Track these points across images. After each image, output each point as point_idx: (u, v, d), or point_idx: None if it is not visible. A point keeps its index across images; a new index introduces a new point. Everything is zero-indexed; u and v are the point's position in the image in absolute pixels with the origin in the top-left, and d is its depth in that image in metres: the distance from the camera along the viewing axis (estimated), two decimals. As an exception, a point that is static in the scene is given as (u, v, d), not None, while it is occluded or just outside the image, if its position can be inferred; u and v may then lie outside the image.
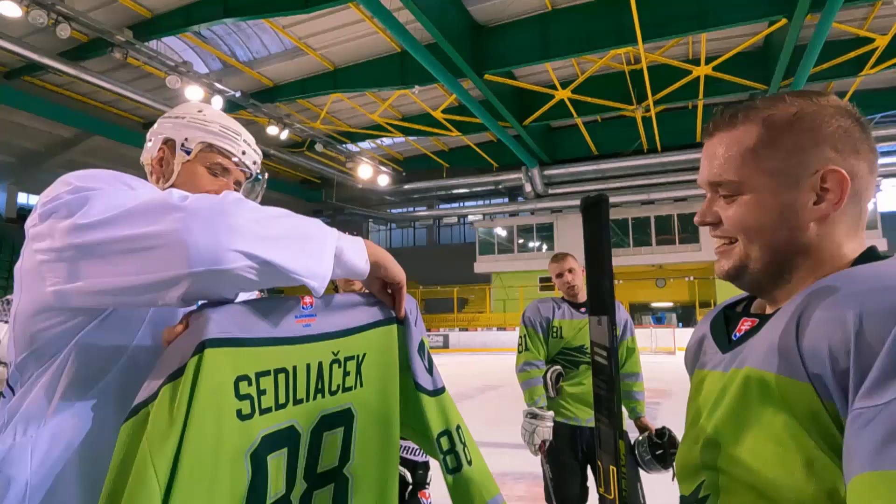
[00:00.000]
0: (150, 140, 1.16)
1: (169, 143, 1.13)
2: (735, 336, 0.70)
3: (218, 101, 15.25)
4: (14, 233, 21.31)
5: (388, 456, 0.93)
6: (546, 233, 26.63)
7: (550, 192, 24.06)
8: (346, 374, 0.88)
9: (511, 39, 13.15)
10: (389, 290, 0.96)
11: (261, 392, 0.77)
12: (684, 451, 0.71)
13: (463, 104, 15.75)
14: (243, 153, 1.15)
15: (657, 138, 19.86)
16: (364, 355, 0.92)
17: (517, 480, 4.63)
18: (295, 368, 0.81)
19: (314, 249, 0.80)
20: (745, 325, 0.71)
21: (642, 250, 24.19)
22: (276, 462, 0.78)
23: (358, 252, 0.88)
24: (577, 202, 17.70)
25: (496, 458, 5.41)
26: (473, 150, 22.94)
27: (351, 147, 22.35)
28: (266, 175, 1.28)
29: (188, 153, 1.11)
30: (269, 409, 0.78)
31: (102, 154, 20.84)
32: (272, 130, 17.83)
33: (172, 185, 1.10)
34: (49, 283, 0.79)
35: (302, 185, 27.87)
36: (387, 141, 23.30)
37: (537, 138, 20.78)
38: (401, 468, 2.34)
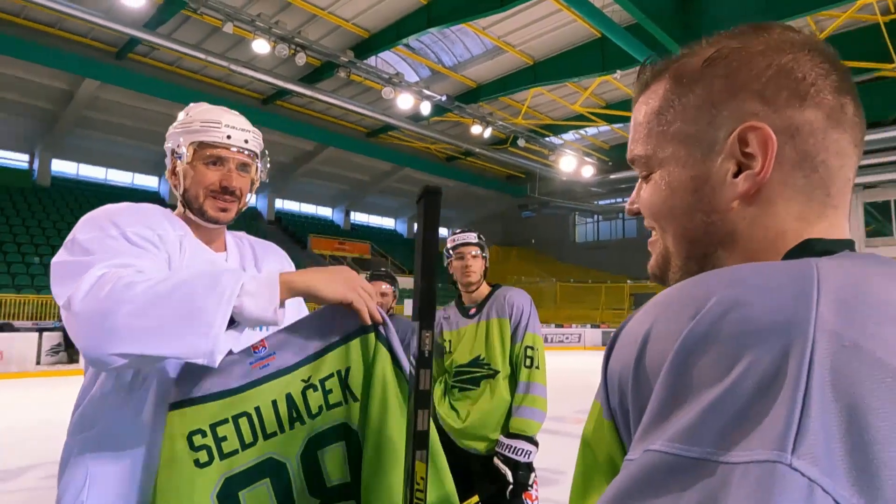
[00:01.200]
0: (167, 157, 1.25)
1: (172, 154, 1.21)
2: None
3: (426, 107, 16.35)
4: (274, 234, 25.53)
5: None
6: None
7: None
8: (326, 393, 0.91)
9: (726, 1, 11.74)
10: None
11: (220, 439, 0.87)
12: None
13: (671, 84, 14.56)
14: (228, 137, 1.16)
15: (932, 100, 16.01)
16: (347, 370, 0.93)
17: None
18: (258, 409, 0.88)
19: (200, 325, 0.83)
20: None
21: (911, 239, 19.82)
22: (258, 493, 0.87)
23: (265, 301, 0.88)
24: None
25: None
26: (687, 132, 21.09)
27: (554, 140, 22.20)
28: (266, 153, 1.27)
29: (183, 157, 1.17)
30: (233, 452, 0.87)
31: (335, 162, 23.89)
32: (476, 129, 18.55)
33: (184, 189, 1.18)
34: None
35: (507, 181, 28.53)
36: (591, 131, 22.63)
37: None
38: (501, 466, 2.25)
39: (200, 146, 1.16)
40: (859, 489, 0.28)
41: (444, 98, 16.56)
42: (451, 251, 2.57)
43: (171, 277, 0.89)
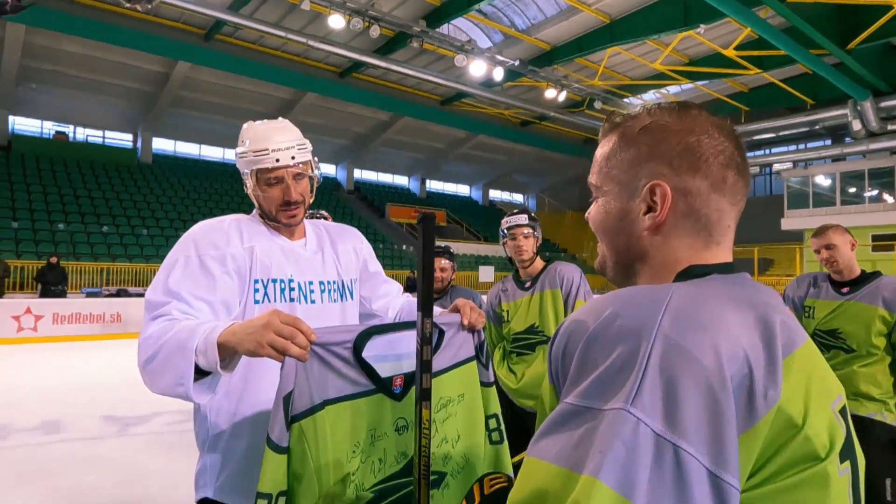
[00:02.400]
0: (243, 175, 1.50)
1: (244, 175, 1.47)
2: None
3: (500, 72, 16.24)
4: (353, 203, 26.43)
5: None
6: (884, 179, 21.48)
7: (890, 128, 19.22)
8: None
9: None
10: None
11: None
12: None
13: (761, 36, 13.63)
14: (277, 161, 1.39)
15: None
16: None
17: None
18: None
19: (178, 379, 1.12)
20: None
21: None
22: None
23: (210, 359, 1.09)
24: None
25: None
26: (779, 87, 19.67)
27: (633, 101, 21.40)
28: (316, 158, 1.50)
29: (249, 184, 1.45)
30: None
31: (410, 131, 24.26)
32: (550, 93, 18.22)
33: (259, 206, 1.46)
34: None
35: (584, 144, 27.85)
36: (673, 89, 21.60)
37: (869, 62, 16.72)
38: None
39: (258, 173, 1.41)
40: (666, 424, 0.48)
41: (517, 62, 16.37)
42: (505, 232, 2.75)
43: (166, 344, 1.15)
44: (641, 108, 0.73)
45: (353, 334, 1.12)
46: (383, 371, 1.15)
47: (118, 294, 14.35)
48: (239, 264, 1.36)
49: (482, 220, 29.17)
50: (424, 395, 0.98)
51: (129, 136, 23.11)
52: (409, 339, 1.16)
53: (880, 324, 2.42)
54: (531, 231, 2.70)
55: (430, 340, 0.98)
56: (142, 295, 14.22)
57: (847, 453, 0.59)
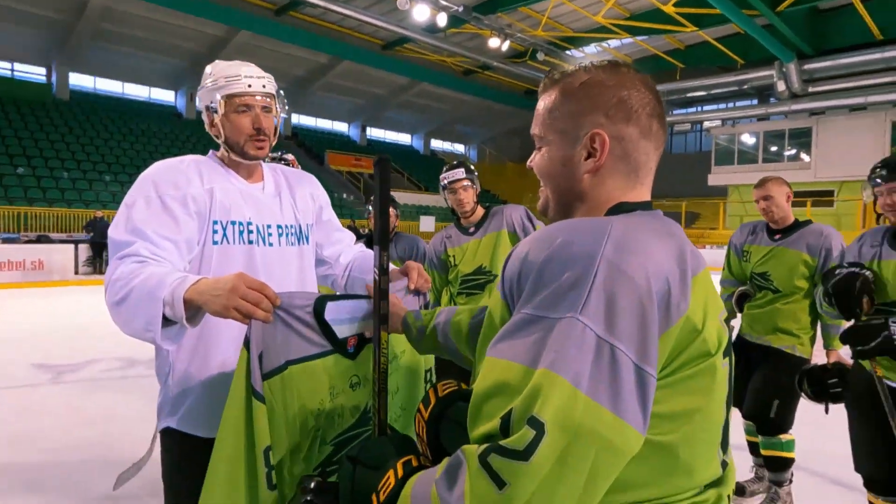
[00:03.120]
0: (202, 112, 1.47)
1: (207, 110, 1.45)
2: None
3: (443, 18, 15.92)
4: (291, 149, 25.63)
5: None
6: (802, 139, 22.83)
7: (811, 90, 20.32)
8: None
9: None
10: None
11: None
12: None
13: (699, -6, 13.93)
14: (249, 86, 1.40)
15: (976, 11, 15.21)
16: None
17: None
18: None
19: (148, 326, 1.15)
20: None
21: (938, 159, 19.39)
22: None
23: (177, 311, 1.11)
24: (847, 102, 14.99)
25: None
26: (713, 45, 20.28)
27: (575, 53, 21.53)
28: (282, 93, 1.51)
29: (218, 111, 1.42)
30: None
31: (351, 76, 23.53)
32: (494, 42, 18.06)
33: (226, 137, 1.44)
34: None
35: (526, 96, 27.93)
36: (614, 43, 21.83)
37: (796, 26, 17.47)
38: None
39: (229, 98, 1.41)
40: (606, 328, 0.60)
41: (460, 8, 16.07)
42: (445, 185, 2.87)
43: (136, 288, 1.16)
44: (578, 66, 0.82)
45: (312, 299, 1.18)
46: (340, 333, 1.21)
47: (38, 240, 13.56)
48: (199, 205, 1.37)
49: (423, 170, 29.04)
50: (383, 320, 1.07)
51: (43, 70, 21.30)
52: (361, 306, 1.24)
53: (803, 267, 2.68)
54: (469, 183, 2.83)
55: (386, 271, 1.06)
56: (66, 241, 13.55)
57: (727, 352, 0.75)
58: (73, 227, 15.04)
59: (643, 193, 0.81)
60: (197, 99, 1.52)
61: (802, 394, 2.43)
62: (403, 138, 32.71)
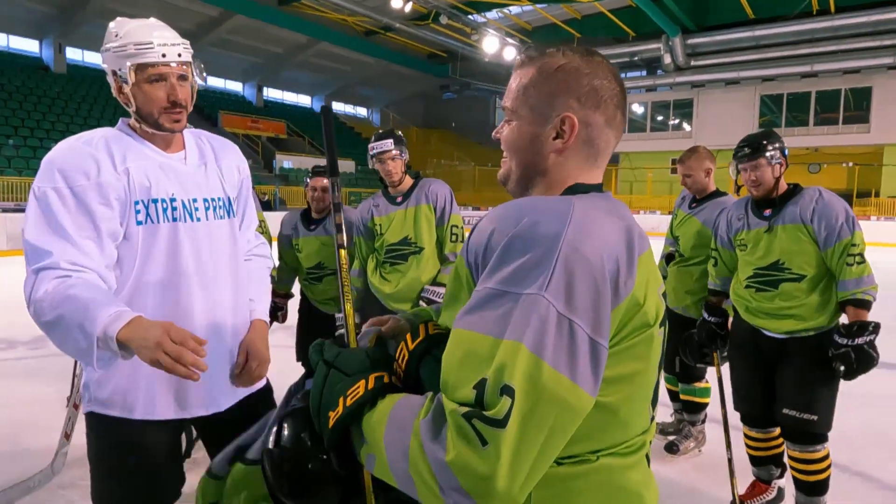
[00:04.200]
0: (108, 75, 1.35)
1: (115, 76, 1.32)
2: None
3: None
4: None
5: None
6: (685, 109, 24.53)
7: (693, 63, 21.80)
8: None
9: None
10: None
11: None
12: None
13: (594, -34, 14.36)
14: (163, 56, 1.28)
15: (831, -4, 16.89)
16: None
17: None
18: None
19: (83, 356, 1.16)
20: None
21: (796, 131, 21.60)
22: None
23: (112, 348, 1.11)
24: (723, 76, 16.25)
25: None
26: (607, 17, 21.08)
27: (477, 18, 21.56)
28: (198, 60, 1.42)
29: (128, 80, 1.29)
30: None
31: (244, 32, 22.13)
32: (396, 3, 17.67)
33: (137, 108, 1.32)
34: None
35: (429, 60, 27.72)
36: (514, 10, 22.09)
37: (682, 2, 18.57)
38: (423, 304, 2.78)
39: (140, 68, 1.28)
40: (566, 305, 0.67)
41: (362, -34, 15.53)
42: (372, 156, 2.84)
43: (66, 317, 1.12)
44: (556, 49, 0.86)
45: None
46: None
47: None
48: (117, 191, 1.29)
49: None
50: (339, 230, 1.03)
51: None
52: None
53: (704, 235, 2.87)
54: (398, 153, 2.81)
55: (339, 203, 1.03)
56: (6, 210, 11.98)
57: (663, 322, 0.83)
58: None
59: (598, 176, 0.88)
60: (101, 58, 1.36)
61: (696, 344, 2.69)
62: (303, 100, 31.45)
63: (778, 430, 2.43)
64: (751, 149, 2.30)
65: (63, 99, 19.67)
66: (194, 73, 1.38)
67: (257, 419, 1.31)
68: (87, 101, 20.33)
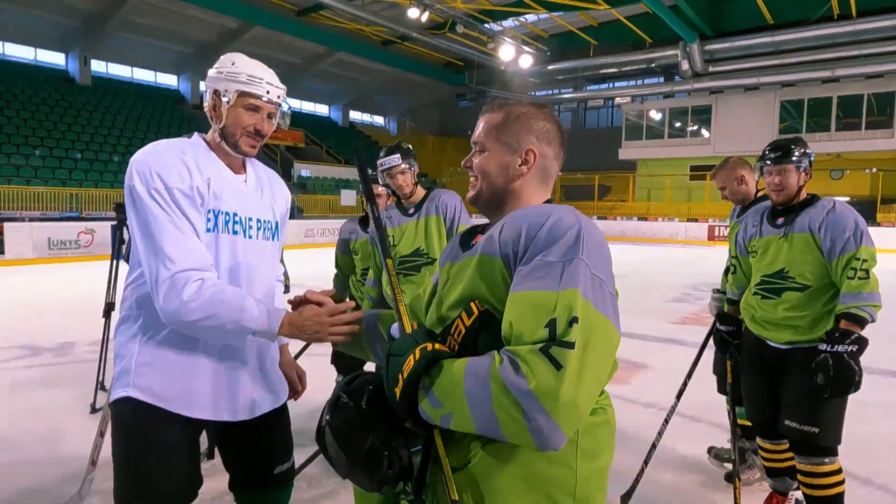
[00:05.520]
0: (205, 90, 1.52)
1: (216, 94, 1.48)
2: (472, 243, 1.13)
3: (360, -14, 15.48)
4: (199, 118, 24.25)
5: None
6: (703, 116, 24.33)
7: (711, 69, 21.64)
8: None
9: None
10: None
11: None
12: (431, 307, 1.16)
13: (611, -27, 14.36)
14: (267, 92, 1.48)
15: (852, 0, 16.67)
16: None
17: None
18: None
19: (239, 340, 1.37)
20: (478, 237, 1.12)
21: (818, 136, 21.28)
22: None
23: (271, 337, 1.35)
24: (743, 82, 16.14)
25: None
26: (624, 24, 21.04)
27: (493, 27, 21.65)
28: (289, 108, 1.60)
29: (228, 101, 1.46)
30: None
31: (263, 43, 22.37)
32: (413, 13, 17.82)
33: (223, 126, 1.48)
34: None
35: (445, 69, 27.85)
36: (530, 18, 22.16)
37: (699, 8, 18.47)
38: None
39: (243, 95, 1.46)
40: (594, 267, 0.92)
41: (379, -23, 15.69)
42: (381, 172, 2.87)
43: (218, 307, 1.31)
44: (517, 101, 1.15)
45: None
46: None
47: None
48: (201, 196, 1.43)
49: (342, 142, 28.42)
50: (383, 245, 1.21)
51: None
52: None
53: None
54: (406, 167, 2.83)
55: (373, 205, 1.22)
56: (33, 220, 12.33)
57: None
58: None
59: (547, 195, 1.15)
60: (203, 85, 1.53)
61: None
62: (321, 109, 31.76)
63: None
64: (780, 152, 2.27)
65: (88, 110, 20.10)
66: (279, 118, 1.56)
67: (277, 429, 1.41)
68: (111, 112, 20.73)
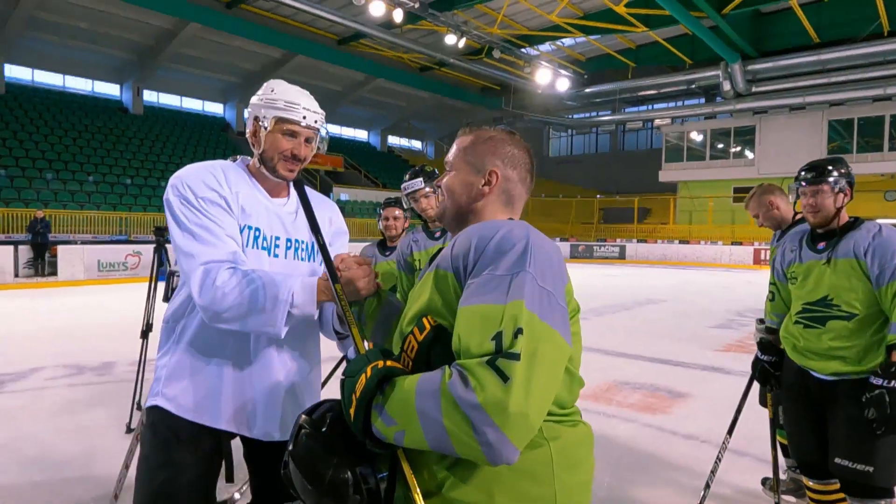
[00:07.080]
0: (247, 117, 1.57)
1: (256, 120, 1.52)
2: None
3: (399, 14, 15.86)
4: (243, 144, 25.03)
5: None
6: (746, 137, 23.77)
7: (754, 90, 21.17)
8: None
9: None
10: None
11: None
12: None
13: (648, -4, 14.30)
14: (304, 118, 1.50)
15: (903, 17, 16.13)
16: None
17: (635, 390, 4.80)
18: None
19: (271, 322, 1.34)
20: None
21: (870, 157, 20.51)
22: None
23: (310, 307, 1.34)
24: (788, 101, 15.82)
25: (622, 368, 5.57)
26: (663, 45, 20.86)
27: (530, 51, 21.78)
28: (328, 132, 1.62)
29: (266, 127, 1.49)
30: None
31: (305, 71, 23.10)
32: (450, 39, 18.09)
33: (262, 151, 1.52)
34: None
35: (482, 93, 28.10)
36: (567, 42, 22.21)
37: (740, 28, 18.17)
38: None
39: (281, 121, 1.49)
40: (541, 279, 0.92)
41: (416, 5, 16.02)
42: (406, 196, 2.88)
43: (251, 286, 1.33)
44: (489, 127, 1.20)
45: None
46: None
47: (-27, 241, 12.84)
48: (230, 206, 1.48)
49: (380, 166, 28.86)
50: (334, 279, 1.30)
51: (-25, 61, 20.13)
52: None
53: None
54: (430, 190, 2.84)
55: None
56: (5, 243, 12.94)
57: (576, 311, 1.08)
58: (12, 227, 14.32)
59: (516, 217, 1.17)
60: (246, 112, 1.59)
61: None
62: (360, 134, 32.41)
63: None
64: (815, 172, 2.16)
65: (139, 137, 21.00)
66: (317, 142, 1.57)
67: None
68: (161, 139, 21.62)
